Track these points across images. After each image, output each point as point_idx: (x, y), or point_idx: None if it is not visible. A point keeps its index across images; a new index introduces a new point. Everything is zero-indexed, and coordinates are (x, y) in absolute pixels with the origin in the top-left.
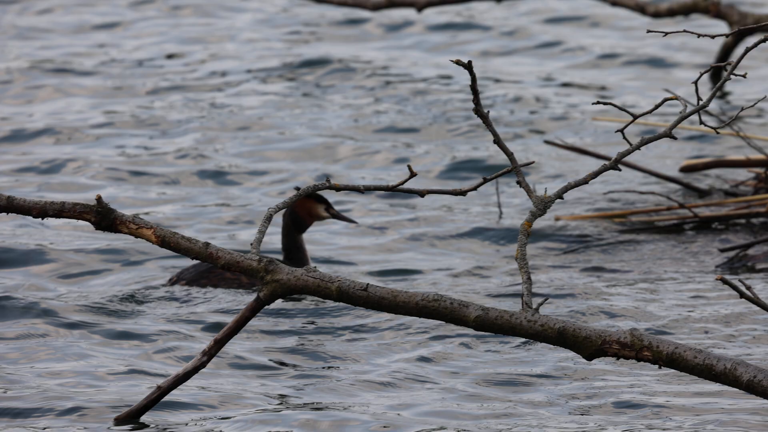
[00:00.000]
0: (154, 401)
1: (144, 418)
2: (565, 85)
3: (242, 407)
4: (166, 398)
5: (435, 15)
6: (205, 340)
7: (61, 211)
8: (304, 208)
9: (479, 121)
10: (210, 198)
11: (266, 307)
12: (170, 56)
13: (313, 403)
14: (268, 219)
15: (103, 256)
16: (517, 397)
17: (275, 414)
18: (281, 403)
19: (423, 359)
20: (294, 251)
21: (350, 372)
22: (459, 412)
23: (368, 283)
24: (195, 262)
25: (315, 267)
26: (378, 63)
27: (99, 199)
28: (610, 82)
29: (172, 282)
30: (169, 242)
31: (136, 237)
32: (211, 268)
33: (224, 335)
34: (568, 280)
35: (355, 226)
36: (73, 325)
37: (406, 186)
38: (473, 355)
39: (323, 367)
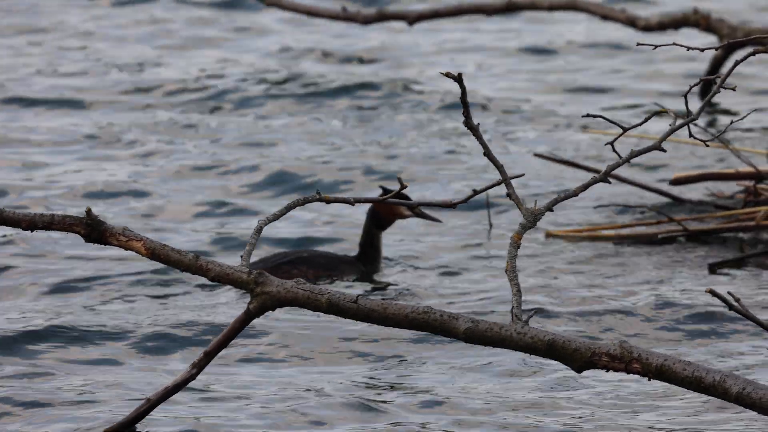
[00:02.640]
0: (143, 414)
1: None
2: (558, 95)
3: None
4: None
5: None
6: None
7: (50, 223)
8: (387, 207)
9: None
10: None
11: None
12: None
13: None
14: (258, 231)
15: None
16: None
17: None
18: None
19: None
20: (369, 249)
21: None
22: None
23: (358, 296)
24: (264, 257)
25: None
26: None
27: (89, 211)
28: (601, 97)
29: None
30: (159, 254)
31: (126, 249)
32: (279, 264)
33: (214, 347)
34: (558, 293)
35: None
36: (66, 331)
37: (395, 198)
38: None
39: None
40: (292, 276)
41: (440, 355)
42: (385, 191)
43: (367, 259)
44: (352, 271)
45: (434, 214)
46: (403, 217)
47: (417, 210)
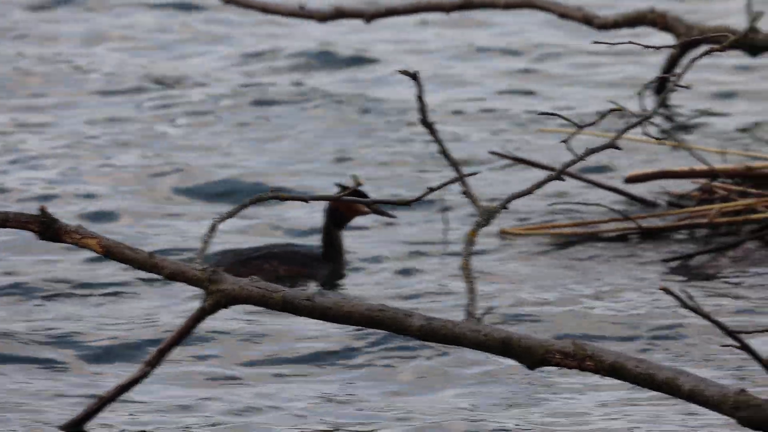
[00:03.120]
0: (95, 411)
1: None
2: (513, 94)
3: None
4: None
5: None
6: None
7: (5, 221)
8: (345, 204)
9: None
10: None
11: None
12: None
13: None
14: (212, 229)
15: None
16: None
17: None
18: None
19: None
20: (330, 248)
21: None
22: None
23: (313, 293)
24: (235, 249)
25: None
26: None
27: (43, 209)
28: (558, 94)
29: None
30: (114, 252)
31: (80, 247)
32: (250, 258)
33: (167, 345)
34: (513, 290)
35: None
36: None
37: (351, 196)
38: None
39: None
40: (263, 270)
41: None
42: (342, 188)
43: (330, 258)
44: (324, 267)
45: (390, 211)
46: (362, 213)
47: (374, 207)
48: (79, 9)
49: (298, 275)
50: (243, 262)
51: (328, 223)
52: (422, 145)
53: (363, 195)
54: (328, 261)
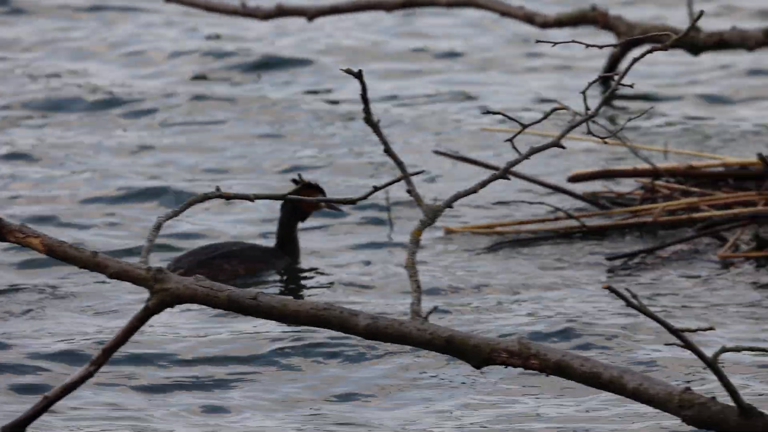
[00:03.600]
0: (40, 411)
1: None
2: (459, 95)
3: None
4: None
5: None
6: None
7: None
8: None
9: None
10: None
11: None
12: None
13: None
14: (157, 228)
15: None
16: None
17: None
18: None
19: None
20: (288, 241)
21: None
22: None
23: (258, 292)
24: (192, 249)
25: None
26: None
27: None
28: (503, 92)
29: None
30: (57, 251)
31: (24, 246)
32: (210, 258)
33: (112, 345)
34: (458, 289)
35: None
36: None
37: (296, 195)
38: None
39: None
40: (224, 270)
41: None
42: (298, 184)
43: (286, 252)
44: (281, 262)
45: (340, 207)
46: (319, 208)
47: (329, 203)
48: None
49: (257, 270)
50: (203, 262)
51: (286, 217)
52: (372, 146)
53: (321, 190)
54: (285, 254)
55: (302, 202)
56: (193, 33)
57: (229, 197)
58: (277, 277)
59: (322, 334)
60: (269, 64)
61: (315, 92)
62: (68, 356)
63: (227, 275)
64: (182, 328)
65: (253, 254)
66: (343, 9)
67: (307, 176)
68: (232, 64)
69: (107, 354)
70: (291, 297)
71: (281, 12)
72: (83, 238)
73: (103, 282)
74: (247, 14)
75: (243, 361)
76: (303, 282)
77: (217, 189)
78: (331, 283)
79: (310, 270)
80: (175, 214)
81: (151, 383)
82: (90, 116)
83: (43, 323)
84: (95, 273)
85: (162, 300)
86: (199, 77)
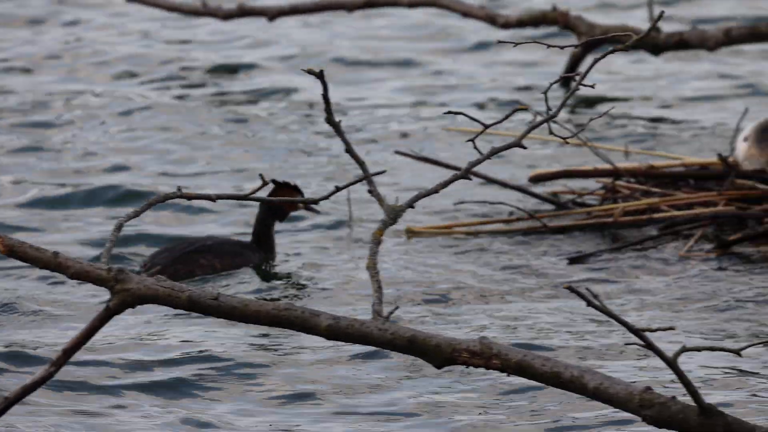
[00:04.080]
0: (0, 412)
1: None
2: (421, 95)
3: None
4: None
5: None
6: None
7: None
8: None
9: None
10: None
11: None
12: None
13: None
14: (118, 229)
15: None
16: None
17: None
18: None
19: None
20: (264, 239)
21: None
22: None
23: (219, 293)
24: (167, 246)
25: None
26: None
27: None
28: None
29: (146, 268)
30: (17, 251)
31: None
32: (186, 254)
33: (72, 345)
34: (419, 289)
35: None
36: None
37: (258, 194)
38: None
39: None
40: (200, 264)
41: None
42: (277, 184)
43: (262, 248)
44: (256, 258)
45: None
46: (297, 208)
47: (306, 204)
48: None
49: (233, 265)
50: (178, 258)
51: (264, 215)
52: (336, 141)
53: (298, 191)
54: (261, 250)
55: (283, 202)
56: (146, 36)
57: (190, 197)
58: (246, 276)
59: (288, 334)
60: (226, 66)
61: (275, 93)
62: (27, 358)
63: (204, 270)
64: (143, 329)
65: (229, 249)
66: (304, 9)
67: (269, 177)
68: (188, 67)
69: (68, 355)
70: (252, 297)
71: (242, 12)
72: (40, 240)
73: (64, 282)
74: (208, 14)
75: (203, 361)
76: (266, 283)
77: (179, 189)
78: (293, 283)
79: (272, 270)
80: (136, 214)
81: (108, 384)
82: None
83: (3, 324)
84: (56, 273)
85: (123, 300)
86: (157, 81)
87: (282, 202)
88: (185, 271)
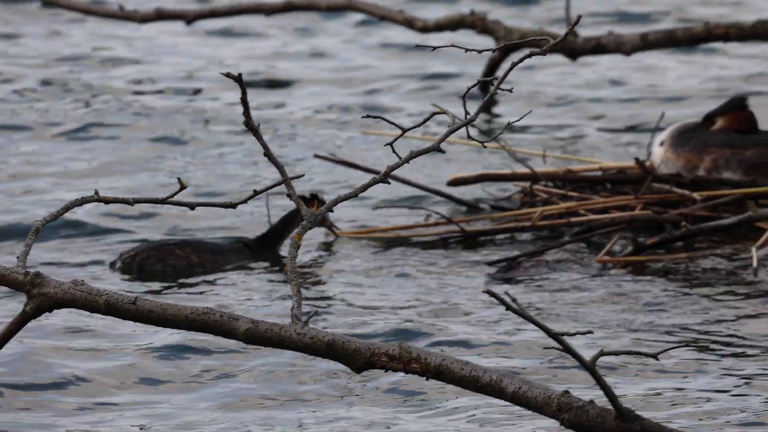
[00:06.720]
0: None
1: None
2: (340, 100)
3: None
4: None
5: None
6: None
7: None
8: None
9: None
10: None
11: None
12: None
13: None
14: (36, 232)
15: None
16: None
17: None
18: None
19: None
20: (275, 238)
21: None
22: None
23: (137, 297)
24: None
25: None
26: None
27: None
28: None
29: (126, 260)
30: None
31: None
32: (164, 244)
33: None
34: (339, 293)
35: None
36: None
37: (175, 199)
38: None
39: None
40: (176, 254)
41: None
42: (303, 198)
43: (265, 246)
44: (239, 257)
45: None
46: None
47: (325, 221)
48: None
49: (211, 262)
50: (154, 246)
51: (289, 221)
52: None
53: (321, 200)
54: (261, 249)
55: (200, 205)
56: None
57: (108, 201)
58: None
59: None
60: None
61: (193, 97)
62: None
63: (177, 260)
64: (64, 333)
65: (210, 246)
66: (222, 12)
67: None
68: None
69: None
70: (171, 302)
71: (160, 15)
72: None
73: None
74: (125, 17)
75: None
76: (186, 288)
77: (96, 193)
78: (211, 288)
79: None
80: (53, 217)
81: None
82: None
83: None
84: None
85: (40, 304)
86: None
87: (200, 205)
88: (157, 258)
